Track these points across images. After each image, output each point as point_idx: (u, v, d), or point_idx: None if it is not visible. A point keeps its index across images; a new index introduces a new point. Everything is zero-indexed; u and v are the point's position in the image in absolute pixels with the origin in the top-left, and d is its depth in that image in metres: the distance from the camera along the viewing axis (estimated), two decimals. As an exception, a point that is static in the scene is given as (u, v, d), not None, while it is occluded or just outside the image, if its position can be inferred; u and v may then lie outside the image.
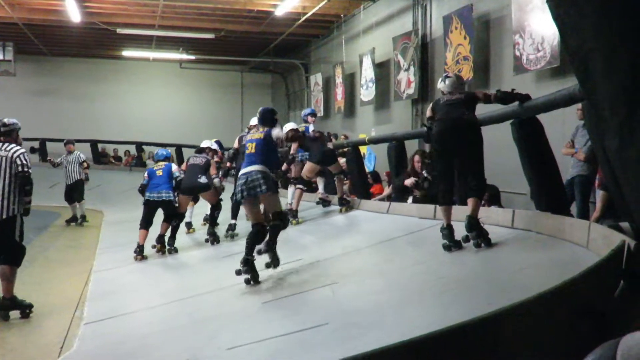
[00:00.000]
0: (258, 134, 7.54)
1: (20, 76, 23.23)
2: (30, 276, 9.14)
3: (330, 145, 10.52)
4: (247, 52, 23.55)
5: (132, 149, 24.31)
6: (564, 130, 8.84)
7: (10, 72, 22.35)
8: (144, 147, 23.79)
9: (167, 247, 10.11)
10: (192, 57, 23.26)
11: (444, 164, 6.49)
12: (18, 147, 7.20)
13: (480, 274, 5.24)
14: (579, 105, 7.57)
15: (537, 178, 6.13)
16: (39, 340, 6.35)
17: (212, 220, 10.78)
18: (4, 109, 23.68)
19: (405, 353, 1.30)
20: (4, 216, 7.00)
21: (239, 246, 9.48)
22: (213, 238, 10.42)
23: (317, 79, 21.50)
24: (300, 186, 10.58)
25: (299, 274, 6.90)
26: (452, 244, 6.20)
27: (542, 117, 6.19)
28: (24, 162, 7.10)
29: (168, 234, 10.25)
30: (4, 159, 7.09)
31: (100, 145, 24.50)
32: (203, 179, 10.38)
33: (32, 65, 24.30)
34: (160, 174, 10.28)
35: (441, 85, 6.73)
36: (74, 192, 15.02)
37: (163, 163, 10.53)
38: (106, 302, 7.46)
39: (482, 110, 6.73)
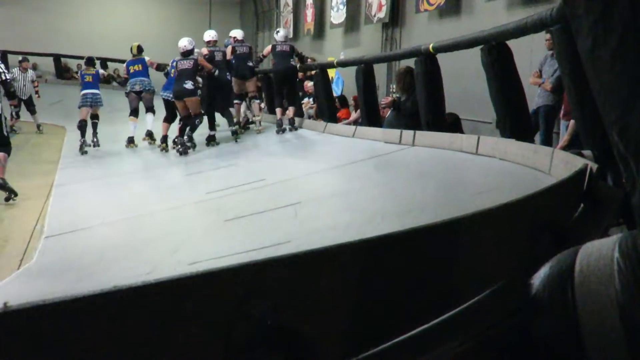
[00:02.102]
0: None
1: (-20, -15, 22.45)
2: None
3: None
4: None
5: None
6: (532, 60, 8.82)
7: (-31, -21, 21.60)
8: (108, 63, 23.27)
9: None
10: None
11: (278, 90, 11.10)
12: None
13: (442, 197, 5.27)
14: (548, 36, 7.55)
15: (504, 104, 6.13)
16: (-2, 252, 6.31)
17: (191, 129, 10.74)
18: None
19: (358, 251, 1.28)
20: None
21: (207, 164, 9.46)
22: (185, 147, 10.49)
23: (287, -1, 21.13)
24: (237, 101, 12.05)
25: (261, 194, 6.89)
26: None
27: (511, 46, 6.16)
28: (4, 71, 8.67)
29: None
30: None
31: (62, 60, 23.91)
32: (189, 85, 10.59)
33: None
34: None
35: (276, 35, 11.33)
36: (30, 106, 15.89)
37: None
38: (67, 217, 7.39)
39: (451, 35, 6.65)
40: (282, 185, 7.16)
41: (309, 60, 13.63)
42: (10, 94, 8.70)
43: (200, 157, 10.38)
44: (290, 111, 11.20)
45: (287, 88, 11.37)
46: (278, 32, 11.82)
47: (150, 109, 12.61)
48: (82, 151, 12.14)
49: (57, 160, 11.67)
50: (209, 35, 11.95)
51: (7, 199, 8.35)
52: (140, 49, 13.08)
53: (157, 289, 1.17)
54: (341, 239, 1.37)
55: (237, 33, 12.26)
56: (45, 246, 6.13)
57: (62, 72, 23.75)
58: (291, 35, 20.57)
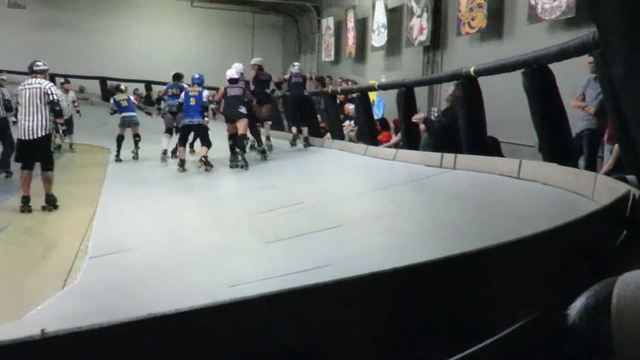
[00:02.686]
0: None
1: (30, 9, 22.97)
2: (37, 208, 9.21)
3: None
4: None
5: (141, 88, 24.17)
6: (575, 82, 8.73)
7: (19, 4, 22.14)
8: (152, 85, 23.63)
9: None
10: (203, -5, 22.99)
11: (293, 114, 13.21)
12: (48, 82, 9.41)
13: (482, 222, 5.23)
14: (591, 58, 7.47)
15: (546, 128, 6.08)
16: (44, 272, 6.41)
17: (241, 147, 11.69)
18: (15, 42, 23.58)
19: (393, 279, 1.28)
20: (45, 133, 9.18)
21: (247, 186, 9.51)
22: (244, 163, 11.48)
23: (328, 22, 21.25)
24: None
25: (301, 217, 6.91)
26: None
27: (553, 69, 6.11)
28: (54, 92, 9.31)
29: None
30: (38, 89, 9.18)
31: (108, 83, 24.35)
32: (243, 110, 11.96)
33: (41, -3, 24.04)
34: (194, 102, 12.38)
35: (292, 68, 13.29)
36: (70, 126, 16.60)
37: (197, 89, 12.72)
38: (110, 237, 7.50)
39: (492, 58, 6.63)
40: (322, 207, 7.18)
41: (348, 82, 13.81)
42: (58, 113, 9.31)
43: (240, 178, 10.47)
44: (304, 131, 12.89)
45: (301, 113, 13.20)
46: (294, 65, 13.64)
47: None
48: (117, 159, 14.39)
49: (102, 181, 11.85)
50: (255, 60, 13.99)
51: (45, 208, 9.37)
52: (178, 76, 14.58)
53: (192, 315, 1.19)
54: (379, 264, 1.37)
55: (234, 69, 12.95)
56: (89, 266, 6.23)
57: (108, 95, 24.16)
58: (332, 58, 20.70)
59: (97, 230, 7.86)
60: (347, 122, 13.79)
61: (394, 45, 16.43)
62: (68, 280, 5.92)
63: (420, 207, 6.44)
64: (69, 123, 16.25)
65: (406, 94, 9.58)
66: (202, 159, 11.92)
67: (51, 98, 9.20)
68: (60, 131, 9.66)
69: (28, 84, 9.23)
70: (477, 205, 5.86)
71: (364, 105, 11.19)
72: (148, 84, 23.70)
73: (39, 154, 9.27)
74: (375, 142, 11.16)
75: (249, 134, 12.47)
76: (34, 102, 9.11)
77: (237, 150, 11.81)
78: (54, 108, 9.20)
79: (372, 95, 14.02)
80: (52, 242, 7.65)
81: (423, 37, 14.55)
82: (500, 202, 5.74)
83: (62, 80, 17.65)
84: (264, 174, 10.39)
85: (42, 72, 9.40)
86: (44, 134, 9.13)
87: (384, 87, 11.31)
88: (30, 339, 1.06)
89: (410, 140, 9.45)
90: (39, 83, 9.21)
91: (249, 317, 1.25)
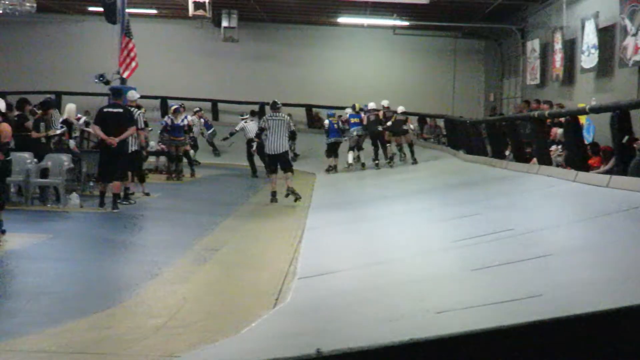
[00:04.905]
0: None
1: (243, 42, 24.44)
2: (249, 230, 9.74)
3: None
4: (461, 17, 23.10)
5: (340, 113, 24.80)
6: None
7: (234, 38, 23.62)
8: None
9: None
10: (406, 23, 23.19)
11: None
12: (286, 114, 13.36)
13: None
14: None
15: None
16: (255, 291, 6.74)
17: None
18: (228, 73, 25.24)
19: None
20: (285, 150, 13.15)
21: (450, 212, 9.42)
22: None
23: (534, 45, 20.64)
24: None
25: (509, 244, 6.72)
26: None
27: None
28: (290, 124, 13.34)
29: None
30: (282, 121, 13.07)
31: (314, 110, 25.27)
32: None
33: (253, 31, 25.44)
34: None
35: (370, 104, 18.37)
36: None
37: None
38: (317, 260, 7.74)
39: None
40: (530, 235, 6.93)
41: (554, 106, 13.34)
42: (293, 136, 14.93)
43: (444, 205, 10.39)
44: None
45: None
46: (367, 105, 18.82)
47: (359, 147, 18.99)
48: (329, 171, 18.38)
49: (308, 205, 12.29)
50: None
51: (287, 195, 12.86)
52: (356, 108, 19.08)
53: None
54: (593, 299, 1.31)
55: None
56: (298, 287, 6.45)
57: (313, 121, 25.07)
58: (538, 82, 20.08)
59: (304, 252, 8.13)
60: (553, 147, 13.28)
61: (605, 66, 15.62)
62: (279, 300, 6.16)
63: (637, 238, 6.03)
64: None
65: (621, 117, 9.05)
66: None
67: (292, 128, 13.72)
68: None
69: (275, 117, 13.17)
70: None
71: (574, 129, 10.70)
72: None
73: (282, 161, 13.11)
74: (586, 168, 10.63)
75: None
76: (280, 129, 12.97)
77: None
78: (294, 137, 14.36)
79: (582, 119, 13.41)
80: (263, 262, 8.04)
81: (638, 57, 13.71)
82: None
83: (197, 108, 20.06)
84: (464, 201, 10.24)
85: (278, 109, 13.38)
86: (285, 150, 13.15)
87: (596, 110, 10.78)
88: (307, 357, 1.12)
89: (626, 166, 8.91)
90: (282, 116, 13.19)
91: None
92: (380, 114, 18.59)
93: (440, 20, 23.19)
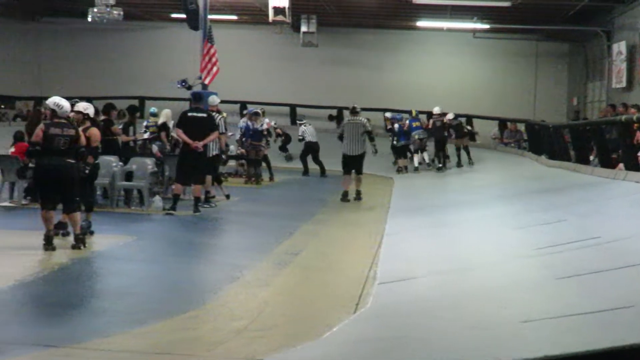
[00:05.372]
0: None
1: (321, 47, 24.55)
2: (328, 235, 9.78)
3: None
4: (544, 19, 22.61)
5: (423, 118, 24.59)
6: None
7: (313, 43, 23.77)
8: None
9: None
10: (487, 26, 22.85)
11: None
12: (364, 118, 14.15)
13: None
14: None
15: None
16: (336, 295, 6.76)
17: None
18: (307, 77, 25.40)
19: None
20: (362, 152, 13.83)
21: (533, 218, 9.23)
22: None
23: (620, 47, 20.01)
24: None
25: (596, 253, 6.52)
26: None
27: None
28: (367, 125, 13.99)
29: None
30: (358, 124, 13.83)
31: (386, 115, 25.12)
32: None
33: (332, 36, 25.50)
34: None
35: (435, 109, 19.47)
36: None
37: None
38: (396, 265, 7.69)
39: None
40: (619, 244, 6.71)
41: None
42: (371, 138, 14.19)
43: (525, 212, 10.16)
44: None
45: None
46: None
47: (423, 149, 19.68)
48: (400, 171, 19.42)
49: (387, 210, 12.23)
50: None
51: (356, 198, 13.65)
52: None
53: None
54: None
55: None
56: (378, 292, 6.42)
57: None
58: (624, 85, 19.49)
59: (384, 257, 8.09)
60: (641, 153, 12.83)
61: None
62: (359, 305, 6.15)
63: None
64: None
65: None
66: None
67: (368, 128, 14.00)
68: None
69: (352, 120, 14.06)
70: None
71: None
72: (429, 115, 24.09)
73: (357, 164, 13.79)
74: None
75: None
76: (356, 132, 13.67)
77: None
78: (370, 135, 13.96)
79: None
80: (342, 267, 8.04)
81: None
82: None
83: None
84: (547, 208, 9.99)
85: (357, 113, 14.16)
86: (361, 152, 13.79)
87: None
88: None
89: None
90: (358, 120, 13.98)
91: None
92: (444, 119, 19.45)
93: (522, 22, 22.75)
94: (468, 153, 19.43)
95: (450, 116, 19.58)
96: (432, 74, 25.69)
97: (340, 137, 14.30)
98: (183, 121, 11.61)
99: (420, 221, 10.54)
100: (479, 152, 20.07)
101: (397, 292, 6.52)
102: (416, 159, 19.71)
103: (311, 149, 19.24)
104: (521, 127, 21.97)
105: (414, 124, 19.70)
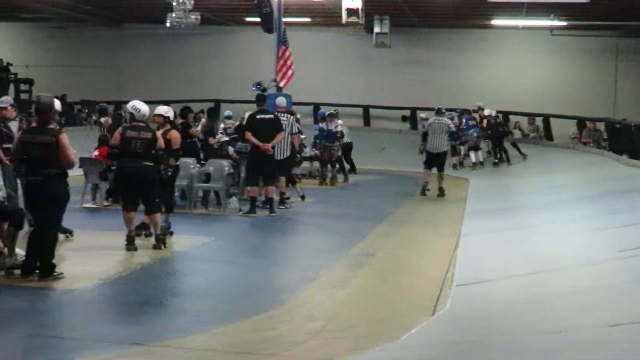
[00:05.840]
0: None
1: (394, 47, 24.39)
2: (403, 236, 9.74)
3: None
4: (624, 15, 21.87)
5: (500, 118, 24.18)
6: None
7: (386, 44, 23.62)
8: (510, 116, 23.60)
9: None
10: (564, 23, 22.30)
11: None
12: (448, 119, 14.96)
13: None
14: None
15: None
16: (413, 297, 6.73)
17: None
18: (380, 78, 25.29)
19: None
20: (443, 150, 14.62)
21: (616, 220, 8.97)
22: None
23: None
24: None
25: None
26: None
27: None
28: (452, 126, 15.06)
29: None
30: (443, 124, 14.58)
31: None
32: None
33: (405, 36, 25.30)
34: None
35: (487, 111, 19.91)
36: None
37: None
38: (474, 267, 7.61)
39: None
40: None
41: None
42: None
43: (606, 212, 9.88)
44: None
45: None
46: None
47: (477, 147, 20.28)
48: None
49: (462, 211, 12.08)
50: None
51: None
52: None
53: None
54: None
55: None
56: (456, 295, 6.36)
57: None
58: None
59: (461, 259, 8.00)
60: None
61: None
62: (437, 307, 6.10)
63: None
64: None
65: None
66: None
67: (453, 129, 15.16)
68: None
69: (438, 120, 14.65)
70: None
71: None
72: (505, 115, 23.69)
73: (440, 161, 14.48)
74: None
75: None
76: (441, 131, 14.39)
77: None
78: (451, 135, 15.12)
79: None
80: (418, 268, 8.00)
81: None
82: None
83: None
84: (631, 209, 9.68)
85: (444, 113, 15.20)
86: (445, 150, 14.85)
87: None
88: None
89: None
90: (444, 120, 14.74)
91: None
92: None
93: (601, 19, 22.07)
94: (518, 149, 20.46)
95: (487, 112, 20.42)
96: (507, 73, 25.15)
97: (424, 136, 14.95)
98: (252, 124, 11.66)
99: (497, 222, 10.38)
100: (556, 152, 19.67)
101: (476, 295, 6.44)
102: (473, 155, 20.26)
103: (348, 149, 19.01)
104: (600, 126, 21.40)
105: (470, 122, 20.29)
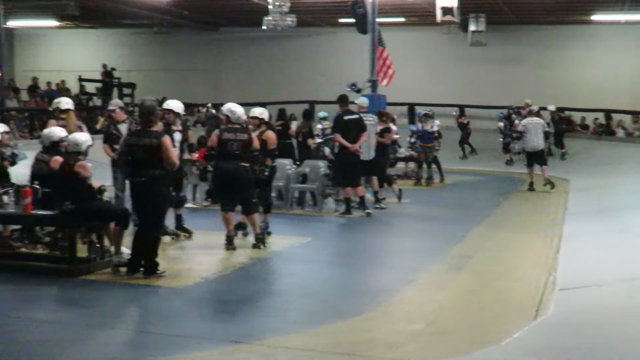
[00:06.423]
0: None
1: (491, 45, 23.89)
2: (501, 239, 9.56)
3: None
4: None
5: (601, 117, 23.40)
6: None
7: (482, 42, 23.19)
8: (613, 114, 22.77)
9: None
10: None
11: None
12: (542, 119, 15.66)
13: None
14: None
15: None
16: (512, 301, 6.58)
17: None
18: (476, 77, 24.86)
19: None
20: (540, 148, 15.16)
21: None
22: None
23: None
24: None
25: None
26: None
27: None
28: (545, 126, 15.85)
29: None
30: (539, 124, 15.08)
31: (566, 112, 24.06)
32: None
33: (501, 34, 24.72)
34: None
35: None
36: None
37: None
38: (577, 270, 7.39)
39: None
40: None
41: None
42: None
43: None
44: None
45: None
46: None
47: None
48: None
49: (562, 213, 11.73)
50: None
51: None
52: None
53: None
54: None
55: None
56: (559, 299, 6.18)
57: (564, 125, 23.87)
58: None
59: (562, 263, 7.77)
60: None
61: None
62: (539, 311, 5.94)
63: None
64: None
65: None
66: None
67: (547, 129, 15.80)
68: None
69: (533, 120, 15.17)
70: None
71: None
72: (607, 113, 22.94)
73: (540, 156, 15.21)
74: None
75: None
76: (537, 130, 14.96)
77: None
78: (547, 135, 15.88)
79: None
80: (518, 272, 7.81)
81: None
82: None
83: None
84: None
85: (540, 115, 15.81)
86: (541, 148, 15.27)
87: None
88: None
89: None
90: (539, 120, 15.39)
91: None
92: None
93: None
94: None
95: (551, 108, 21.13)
96: (609, 70, 24.20)
97: (519, 135, 15.74)
98: (340, 125, 11.58)
99: (599, 224, 10.04)
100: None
101: (580, 300, 6.25)
102: None
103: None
104: None
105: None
